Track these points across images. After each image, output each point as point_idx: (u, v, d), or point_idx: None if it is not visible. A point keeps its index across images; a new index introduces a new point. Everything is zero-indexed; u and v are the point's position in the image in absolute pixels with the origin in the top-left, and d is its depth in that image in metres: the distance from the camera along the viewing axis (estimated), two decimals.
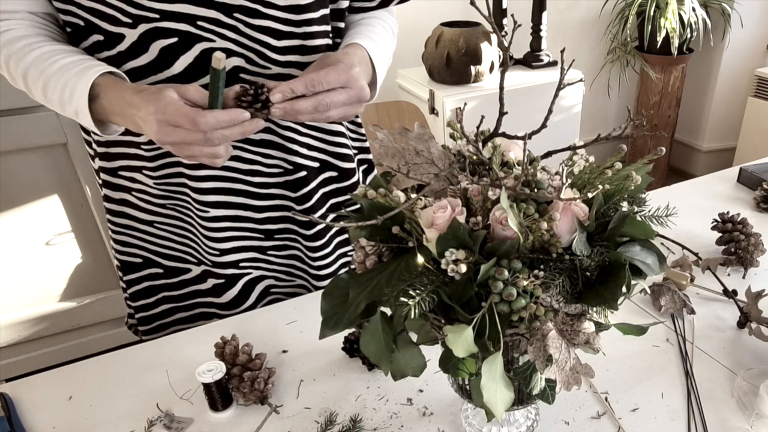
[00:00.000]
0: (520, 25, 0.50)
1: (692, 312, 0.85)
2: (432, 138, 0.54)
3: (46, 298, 1.90)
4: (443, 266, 0.46)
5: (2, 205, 1.72)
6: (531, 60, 2.34)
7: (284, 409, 0.73)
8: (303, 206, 0.90)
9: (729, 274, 0.94)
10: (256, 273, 0.95)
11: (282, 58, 0.80)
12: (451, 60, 2.06)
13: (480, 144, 0.54)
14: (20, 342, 1.92)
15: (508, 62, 0.53)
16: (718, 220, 0.99)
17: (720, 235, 0.98)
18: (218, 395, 0.70)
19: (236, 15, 0.75)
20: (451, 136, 0.58)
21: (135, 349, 0.84)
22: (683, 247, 0.99)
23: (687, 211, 1.11)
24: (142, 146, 0.82)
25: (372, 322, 0.52)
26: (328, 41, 0.84)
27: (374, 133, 0.55)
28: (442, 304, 0.48)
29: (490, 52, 2.09)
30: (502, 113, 0.54)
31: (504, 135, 0.56)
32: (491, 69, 2.13)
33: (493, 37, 2.09)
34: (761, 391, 0.67)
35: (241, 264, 0.93)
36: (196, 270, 0.94)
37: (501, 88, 0.52)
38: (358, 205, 0.54)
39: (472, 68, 2.07)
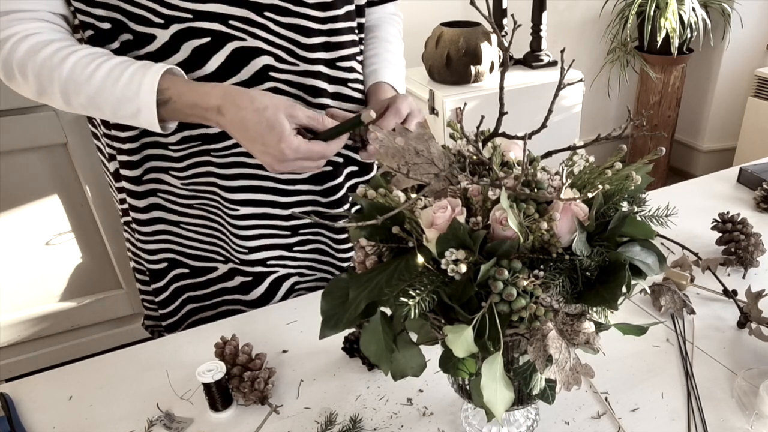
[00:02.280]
0: (520, 25, 0.50)
1: (692, 312, 0.85)
2: (432, 138, 0.54)
3: (46, 298, 1.90)
4: (443, 266, 0.46)
5: (2, 205, 1.72)
6: (531, 60, 2.34)
7: (284, 409, 0.73)
8: (329, 199, 0.92)
9: (729, 274, 0.94)
10: (282, 271, 0.96)
11: (310, 55, 0.81)
12: (451, 60, 2.05)
13: (480, 144, 0.54)
14: (20, 342, 1.92)
15: (508, 62, 0.53)
16: (718, 220, 0.99)
17: (720, 235, 0.98)
18: (218, 395, 0.70)
19: (267, 14, 0.76)
20: (451, 136, 0.58)
21: (135, 349, 0.84)
22: (683, 247, 0.99)
23: (687, 211, 1.11)
24: (170, 147, 0.82)
25: (372, 322, 0.52)
26: (353, 37, 0.86)
27: (374, 133, 0.55)
28: (442, 304, 0.48)
29: (490, 52, 2.09)
30: (502, 113, 0.54)
31: (504, 135, 0.56)
32: (491, 69, 2.13)
33: (493, 37, 2.09)
34: (761, 391, 0.67)
35: (269, 262, 0.93)
36: (223, 268, 0.94)
37: (501, 88, 0.52)
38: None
39: (472, 68, 2.07)
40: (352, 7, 0.84)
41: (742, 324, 0.82)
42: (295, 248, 0.95)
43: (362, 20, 0.89)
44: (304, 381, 0.77)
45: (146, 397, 0.75)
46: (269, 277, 0.94)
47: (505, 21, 2.28)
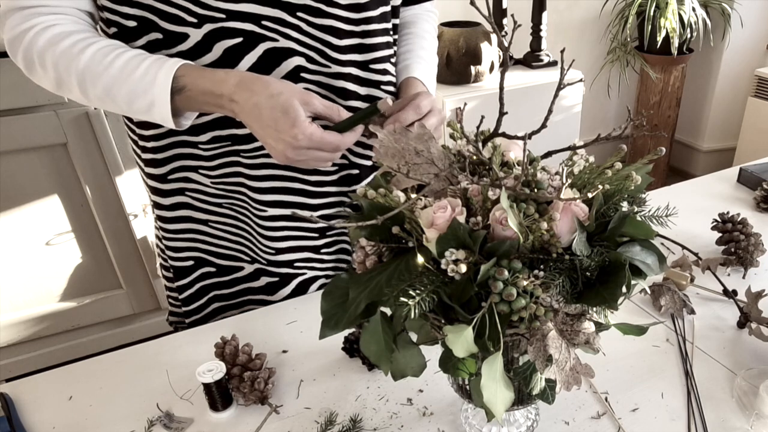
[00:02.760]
0: (520, 25, 0.50)
1: (692, 312, 0.85)
2: (432, 138, 0.54)
3: (46, 298, 1.90)
4: (443, 266, 0.46)
5: (2, 205, 1.72)
6: (531, 60, 2.34)
7: (284, 409, 0.73)
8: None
9: (729, 274, 0.94)
10: (310, 274, 0.95)
11: (342, 57, 0.81)
12: (451, 60, 2.06)
13: (480, 144, 0.54)
14: (20, 342, 1.92)
15: (508, 62, 0.53)
16: (718, 220, 0.99)
17: (720, 235, 0.98)
18: (218, 395, 0.70)
19: (299, 14, 0.76)
20: (451, 136, 0.58)
21: (135, 349, 0.84)
22: (683, 247, 0.99)
23: (687, 211, 1.11)
24: (200, 146, 0.82)
25: (372, 322, 0.52)
26: (388, 39, 0.86)
27: (374, 133, 0.55)
28: (442, 304, 0.48)
29: (490, 52, 2.09)
30: (502, 113, 0.54)
31: (504, 135, 0.56)
32: (491, 69, 2.13)
33: (493, 37, 2.09)
34: (761, 391, 0.67)
35: (296, 264, 0.93)
36: (249, 268, 0.94)
37: (501, 88, 0.52)
38: None
39: (472, 68, 2.07)
40: (387, 8, 0.83)
41: (742, 324, 0.82)
42: (322, 250, 0.95)
43: (397, 21, 0.88)
44: (304, 381, 0.77)
45: (146, 397, 0.75)
46: (296, 279, 0.94)
47: (505, 21, 2.28)
